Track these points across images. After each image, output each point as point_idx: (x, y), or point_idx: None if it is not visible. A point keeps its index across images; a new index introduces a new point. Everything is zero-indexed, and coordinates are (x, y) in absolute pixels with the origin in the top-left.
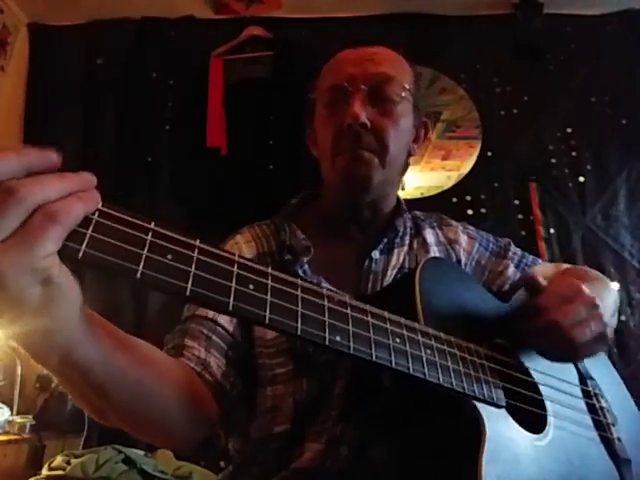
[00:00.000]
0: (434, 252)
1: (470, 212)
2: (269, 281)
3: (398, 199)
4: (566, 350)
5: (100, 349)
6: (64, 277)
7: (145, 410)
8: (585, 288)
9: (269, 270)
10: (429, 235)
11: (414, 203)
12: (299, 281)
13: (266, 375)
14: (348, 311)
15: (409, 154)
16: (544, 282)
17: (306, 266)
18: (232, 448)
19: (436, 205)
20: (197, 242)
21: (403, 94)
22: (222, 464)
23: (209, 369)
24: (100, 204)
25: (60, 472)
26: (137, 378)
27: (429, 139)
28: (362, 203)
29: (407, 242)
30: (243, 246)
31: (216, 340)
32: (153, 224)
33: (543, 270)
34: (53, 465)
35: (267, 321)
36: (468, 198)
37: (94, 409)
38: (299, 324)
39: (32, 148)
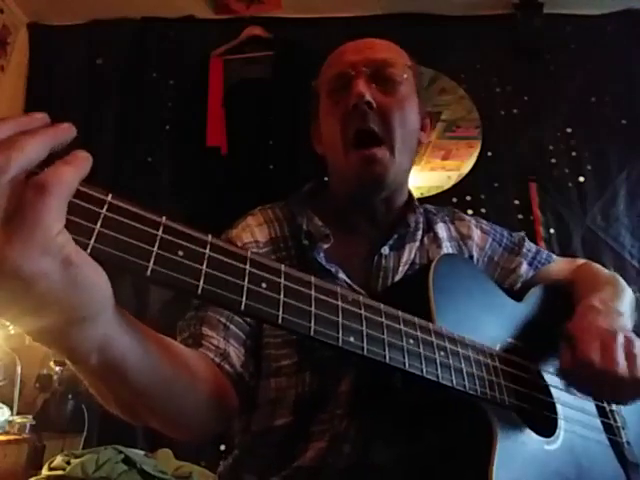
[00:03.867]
0: (446, 247)
1: (470, 212)
2: (282, 279)
3: (410, 194)
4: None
5: (135, 342)
6: (84, 258)
7: (178, 405)
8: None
9: (282, 268)
10: (441, 230)
11: None
12: (313, 279)
13: (271, 366)
14: (362, 311)
15: (419, 142)
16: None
17: (322, 253)
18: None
19: (436, 205)
20: (209, 238)
21: (405, 75)
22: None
23: (229, 359)
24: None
25: (60, 472)
26: (171, 373)
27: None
28: (376, 201)
29: (419, 238)
30: (255, 229)
31: (234, 329)
32: (164, 218)
33: (557, 271)
34: (53, 465)
35: (280, 321)
36: (468, 198)
37: (126, 409)
38: (312, 324)
39: (11, 117)
